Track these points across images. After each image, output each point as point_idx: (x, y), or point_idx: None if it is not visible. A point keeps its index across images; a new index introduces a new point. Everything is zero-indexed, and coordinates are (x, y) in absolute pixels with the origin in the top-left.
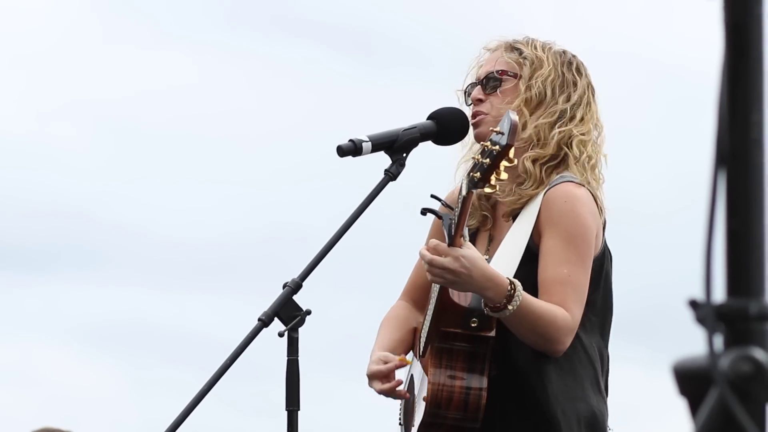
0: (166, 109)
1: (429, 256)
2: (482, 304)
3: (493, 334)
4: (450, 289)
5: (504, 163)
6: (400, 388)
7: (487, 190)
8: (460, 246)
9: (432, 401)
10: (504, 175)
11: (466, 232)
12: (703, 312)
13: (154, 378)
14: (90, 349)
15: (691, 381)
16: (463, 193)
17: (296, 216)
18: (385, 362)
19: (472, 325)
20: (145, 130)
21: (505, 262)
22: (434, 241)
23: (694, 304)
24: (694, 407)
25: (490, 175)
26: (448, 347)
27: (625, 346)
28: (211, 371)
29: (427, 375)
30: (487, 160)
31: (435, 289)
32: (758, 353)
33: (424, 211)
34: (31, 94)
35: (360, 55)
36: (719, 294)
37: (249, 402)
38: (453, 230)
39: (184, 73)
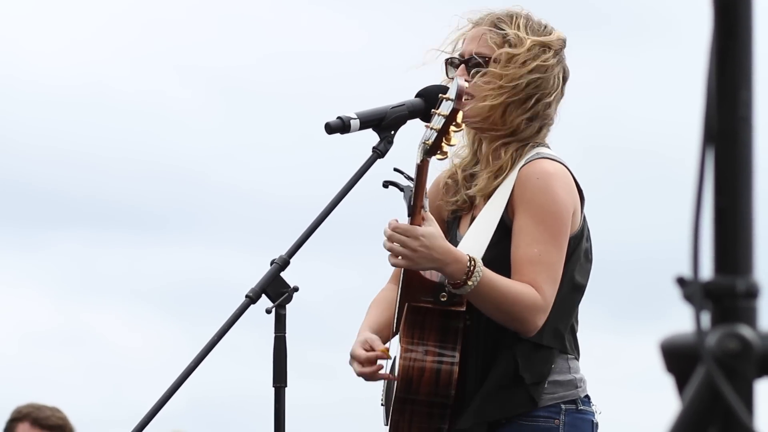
0: (278, 72)
1: (389, 232)
2: (445, 281)
3: (463, 309)
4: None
5: (452, 128)
6: (383, 371)
7: (439, 157)
8: (420, 223)
9: (403, 377)
10: (454, 141)
11: (426, 202)
12: (691, 289)
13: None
14: (158, 311)
15: (678, 358)
16: (417, 161)
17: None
18: (371, 346)
19: (442, 299)
20: (259, 93)
21: (476, 239)
22: (394, 222)
23: (681, 282)
24: (681, 384)
25: (441, 142)
26: (420, 322)
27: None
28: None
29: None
30: (437, 126)
31: None
32: (745, 330)
33: (386, 184)
34: (147, 55)
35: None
36: (707, 271)
37: (236, 378)
38: (412, 201)
39: (300, 36)
